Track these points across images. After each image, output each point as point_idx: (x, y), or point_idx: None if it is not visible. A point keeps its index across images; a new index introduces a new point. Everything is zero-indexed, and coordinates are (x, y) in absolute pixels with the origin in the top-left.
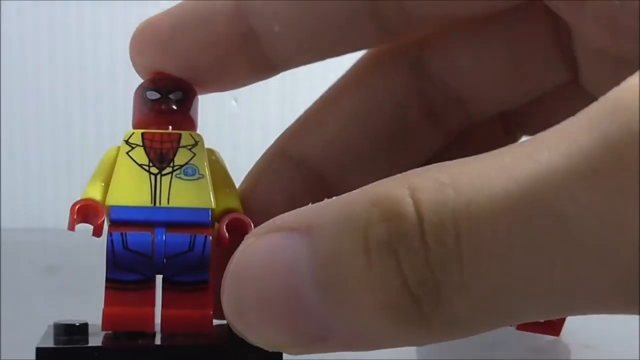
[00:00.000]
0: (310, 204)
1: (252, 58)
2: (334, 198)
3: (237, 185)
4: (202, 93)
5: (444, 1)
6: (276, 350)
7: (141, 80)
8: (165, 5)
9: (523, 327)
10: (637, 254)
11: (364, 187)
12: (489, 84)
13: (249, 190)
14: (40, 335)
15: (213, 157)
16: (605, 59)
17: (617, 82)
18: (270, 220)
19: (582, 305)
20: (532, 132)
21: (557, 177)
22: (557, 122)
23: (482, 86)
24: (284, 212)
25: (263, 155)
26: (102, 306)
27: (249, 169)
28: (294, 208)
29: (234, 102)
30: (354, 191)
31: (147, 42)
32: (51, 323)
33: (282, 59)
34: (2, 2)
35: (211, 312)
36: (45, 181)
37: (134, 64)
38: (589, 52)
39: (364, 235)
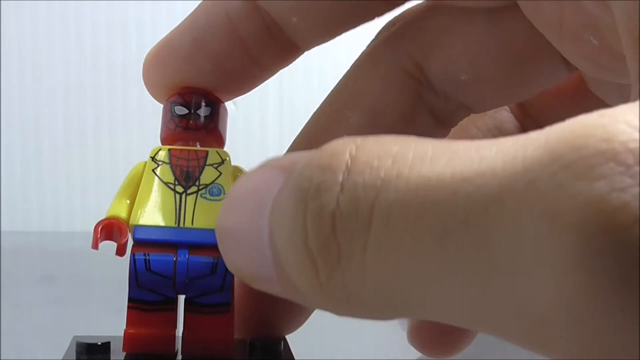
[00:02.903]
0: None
1: (278, 44)
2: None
3: None
4: (233, 96)
5: None
6: (244, 280)
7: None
8: (165, 4)
9: None
10: (553, 297)
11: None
12: (489, 90)
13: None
14: (39, 338)
15: (239, 175)
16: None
17: (619, 92)
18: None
19: (480, 327)
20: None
21: (489, 185)
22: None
23: (482, 93)
24: None
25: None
26: (124, 326)
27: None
28: None
29: (232, 106)
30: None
31: (168, 56)
32: (73, 338)
33: (305, 42)
34: (2, 1)
35: (232, 337)
36: (44, 184)
37: (150, 83)
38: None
39: (301, 182)
